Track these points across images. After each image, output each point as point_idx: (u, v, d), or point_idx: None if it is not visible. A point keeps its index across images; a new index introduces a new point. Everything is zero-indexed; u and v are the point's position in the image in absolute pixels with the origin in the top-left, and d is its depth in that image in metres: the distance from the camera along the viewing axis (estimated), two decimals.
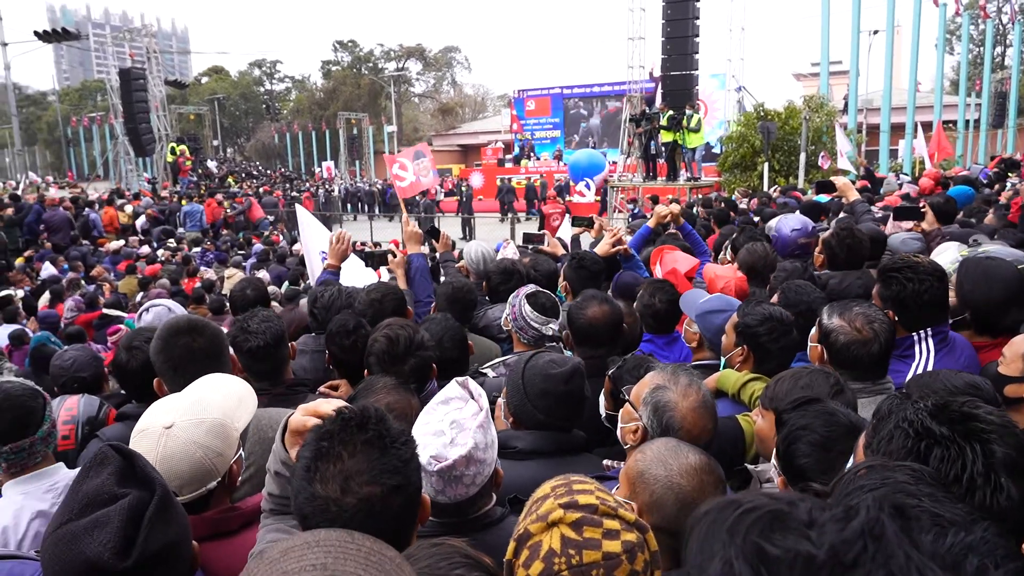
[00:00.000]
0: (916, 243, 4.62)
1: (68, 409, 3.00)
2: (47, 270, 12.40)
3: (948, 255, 3.64)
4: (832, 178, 5.12)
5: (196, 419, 1.76)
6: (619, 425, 2.09)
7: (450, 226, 19.44)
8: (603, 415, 2.45)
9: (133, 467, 1.39)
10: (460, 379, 1.77)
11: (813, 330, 2.45)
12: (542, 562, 1.24)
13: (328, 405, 1.45)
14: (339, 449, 1.29)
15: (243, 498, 1.90)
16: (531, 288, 3.22)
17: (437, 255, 5.07)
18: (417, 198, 23.92)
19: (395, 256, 4.42)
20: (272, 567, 0.83)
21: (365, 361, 2.59)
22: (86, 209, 17.64)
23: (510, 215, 24.70)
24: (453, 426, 1.63)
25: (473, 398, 1.72)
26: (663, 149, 19.16)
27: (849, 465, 1.36)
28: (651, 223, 5.05)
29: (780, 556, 0.58)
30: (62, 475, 2.17)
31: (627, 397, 2.09)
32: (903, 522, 0.62)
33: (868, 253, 3.76)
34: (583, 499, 1.29)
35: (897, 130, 24.99)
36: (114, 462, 1.38)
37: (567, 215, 7.73)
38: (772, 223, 5.24)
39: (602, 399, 2.45)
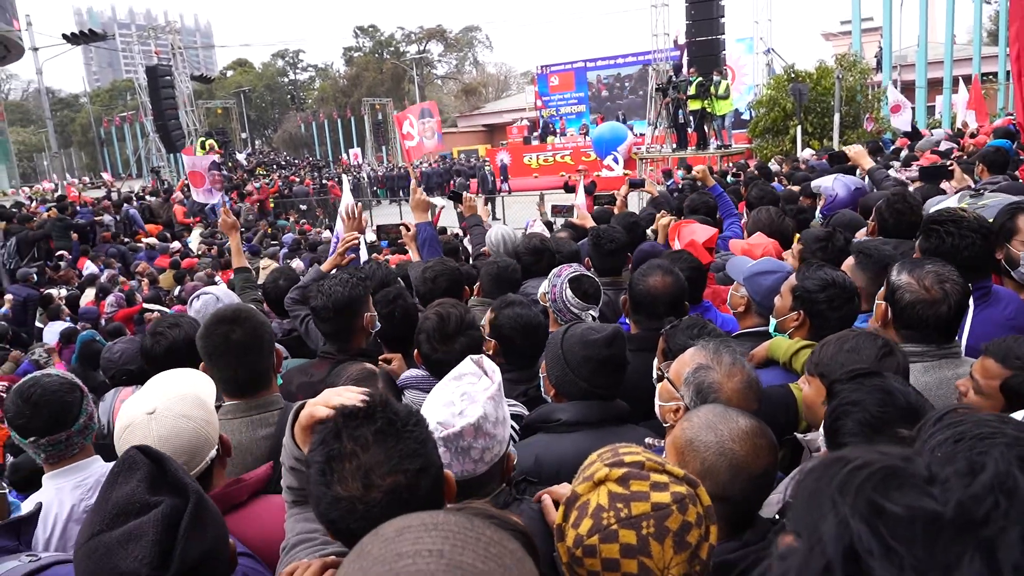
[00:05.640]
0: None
1: (124, 401, 3.04)
2: (88, 268, 12.67)
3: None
4: (844, 148, 5.01)
5: (175, 396, 1.76)
6: (657, 403, 2.02)
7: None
8: (655, 376, 2.39)
9: (164, 472, 1.31)
10: (475, 356, 1.70)
11: (882, 288, 2.33)
12: (591, 519, 1.23)
13: (339, 397, 1.35)
14: (351, 446, 1.21)
15: None
16: (575, 270, 3.13)
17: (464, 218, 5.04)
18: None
19: (408, 230, 4.43)
20: (386, 546, 0.80)
21: (415, 339, 2.55)
22: (124, 205, 17.95)
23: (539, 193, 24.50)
24: (464, 398, 1.56)
25: (486, 374, 1.65)
26: (691, 118, 18.85)
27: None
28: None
29: (901, 514, 0.53)
30: (94, 468, 2.18)
31: (666, 374, 2.00)
32: None
33: (919, 219, 3.65)
34: (629, 458, 1.28)
35: (934, 86, 24.20)
36: (143, 467, 1.30)
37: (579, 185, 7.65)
38: (823, 182, 5.12)
39: (656, 360, 2.37)
